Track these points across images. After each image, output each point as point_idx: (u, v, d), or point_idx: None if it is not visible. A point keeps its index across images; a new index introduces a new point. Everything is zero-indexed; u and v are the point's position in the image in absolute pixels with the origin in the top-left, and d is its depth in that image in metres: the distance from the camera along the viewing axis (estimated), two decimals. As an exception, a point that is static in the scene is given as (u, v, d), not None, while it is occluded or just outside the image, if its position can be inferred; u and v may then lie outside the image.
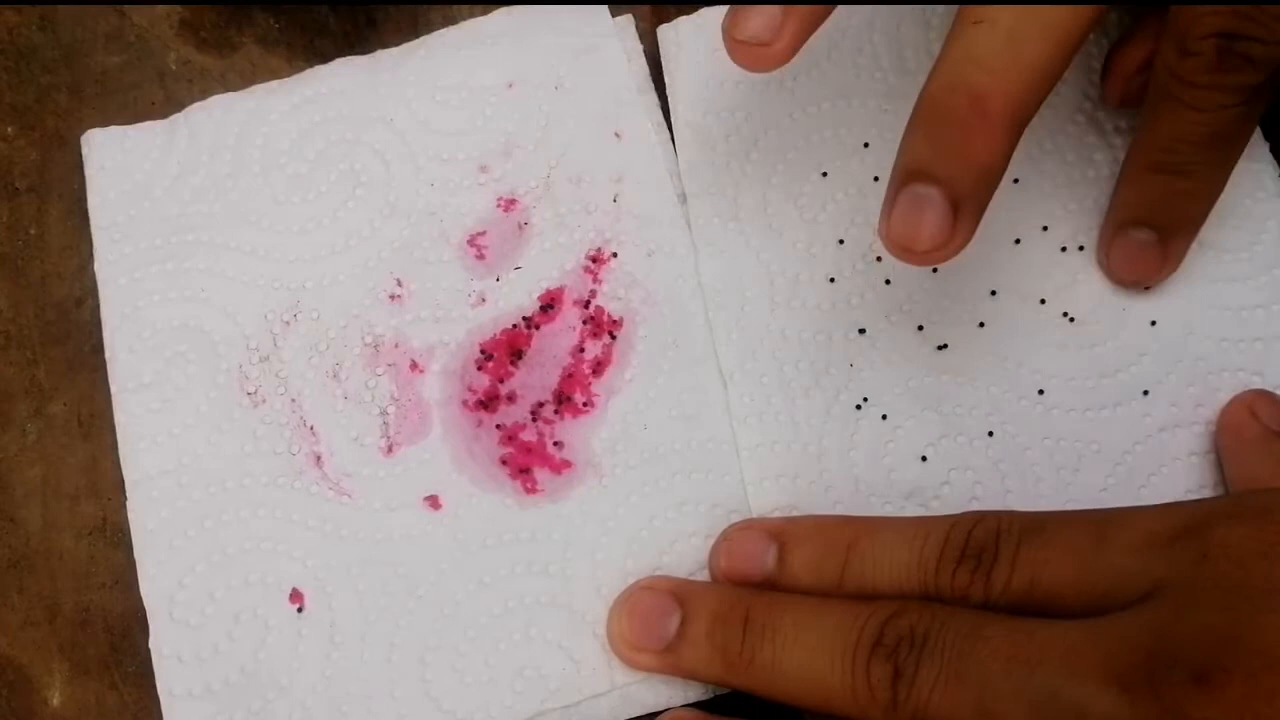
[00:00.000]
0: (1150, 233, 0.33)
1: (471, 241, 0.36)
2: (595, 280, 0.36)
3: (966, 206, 0.26)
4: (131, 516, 0.33)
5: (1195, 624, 0.24)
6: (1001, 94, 0.25)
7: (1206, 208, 0.33)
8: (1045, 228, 0.36)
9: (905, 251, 0.27)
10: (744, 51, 0.28)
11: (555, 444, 0.34)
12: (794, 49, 0.27)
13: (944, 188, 0.26)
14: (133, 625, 0.33)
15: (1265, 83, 0.29)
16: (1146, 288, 0.35)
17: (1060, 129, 0.37)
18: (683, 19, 0.38)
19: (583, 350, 0.35)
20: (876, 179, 0.36)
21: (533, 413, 0.34)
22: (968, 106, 0.25)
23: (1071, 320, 0.35)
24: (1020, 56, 0.25)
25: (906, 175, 0.27)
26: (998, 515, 0.29)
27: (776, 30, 0.27)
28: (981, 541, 0.28)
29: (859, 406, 0.34)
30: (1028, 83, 0.26)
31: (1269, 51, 0.28)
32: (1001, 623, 0.26)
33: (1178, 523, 0.26)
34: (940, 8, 0.38)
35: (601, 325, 0.35)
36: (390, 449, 0.34)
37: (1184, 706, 0.23)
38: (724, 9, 0.37)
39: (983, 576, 0.28)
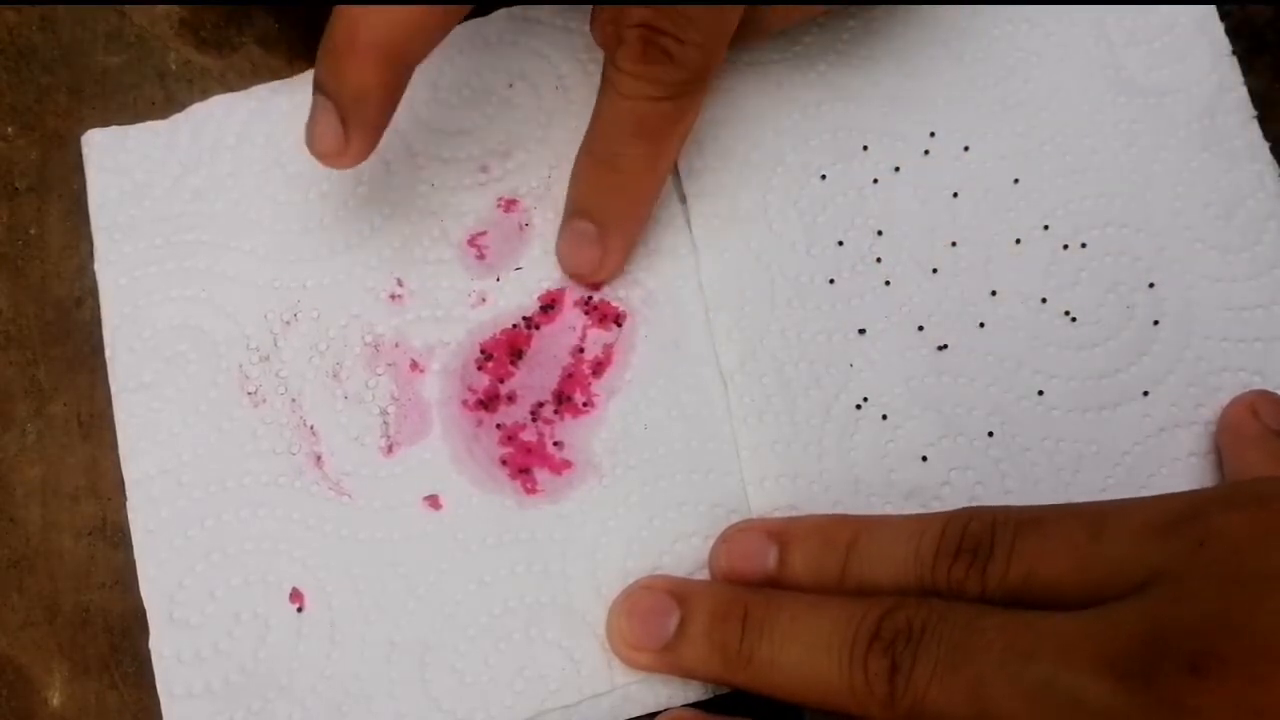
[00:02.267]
0: (589, 224, 0.34)
1: (472, 241, 0.36)
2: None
3: (352, 122, 0.30)
4: (131, 516, 0.33)
5: (1191, 612, 0.24)
6: (368, 30, 0.29)
7: (639, 208, 0.34)
8: (1046, 227, 0.36)
9: (313, 152, 0.31)
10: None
11: (555, 444, 0.34)
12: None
13: (333, 102, 0.30)
14: (133, 625, 0.33)
15: (691, 81, 0.31)
16: (595, 285, 0.35)
17: (1060, 128, 0.37)
18: None
19: (583, 350, 0.35)
20: (876, 181, 0.36)
21: (533, 413, 0.34)
22: (344, 38, 0.29)
23: (1073, 320, 0.35)
24: (389, 11, 0.29)
25: (314, 87, 0.30)
26: (993, 510, 0.29)
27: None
28: (977, 535, 0.28)
29: (859, 406, 0.34)
30: (391, 25, 0.29)
31: (685, 51, 0.30)
32: (998, 615, 0.27)
33: (1173, 512, 0.26)
34: (939, 10, 0.38)
35: (607, 316, 0.35)
36: (390, 449, 0.34)
37: (1180, 695, 0.23)
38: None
39: (979, 570, 0.28)
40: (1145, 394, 0.34)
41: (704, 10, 0.30)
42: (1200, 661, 0.23)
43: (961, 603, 0.28)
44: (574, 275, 0.35)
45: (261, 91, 0.37)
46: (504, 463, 0.34)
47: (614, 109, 0.32)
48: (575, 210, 0.34)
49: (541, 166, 0.37)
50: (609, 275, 0.35)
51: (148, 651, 0.32)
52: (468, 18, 0.38)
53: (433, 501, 0.34)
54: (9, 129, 0.38)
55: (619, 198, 0.33)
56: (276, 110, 0.37)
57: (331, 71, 0.30)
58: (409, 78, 0.31)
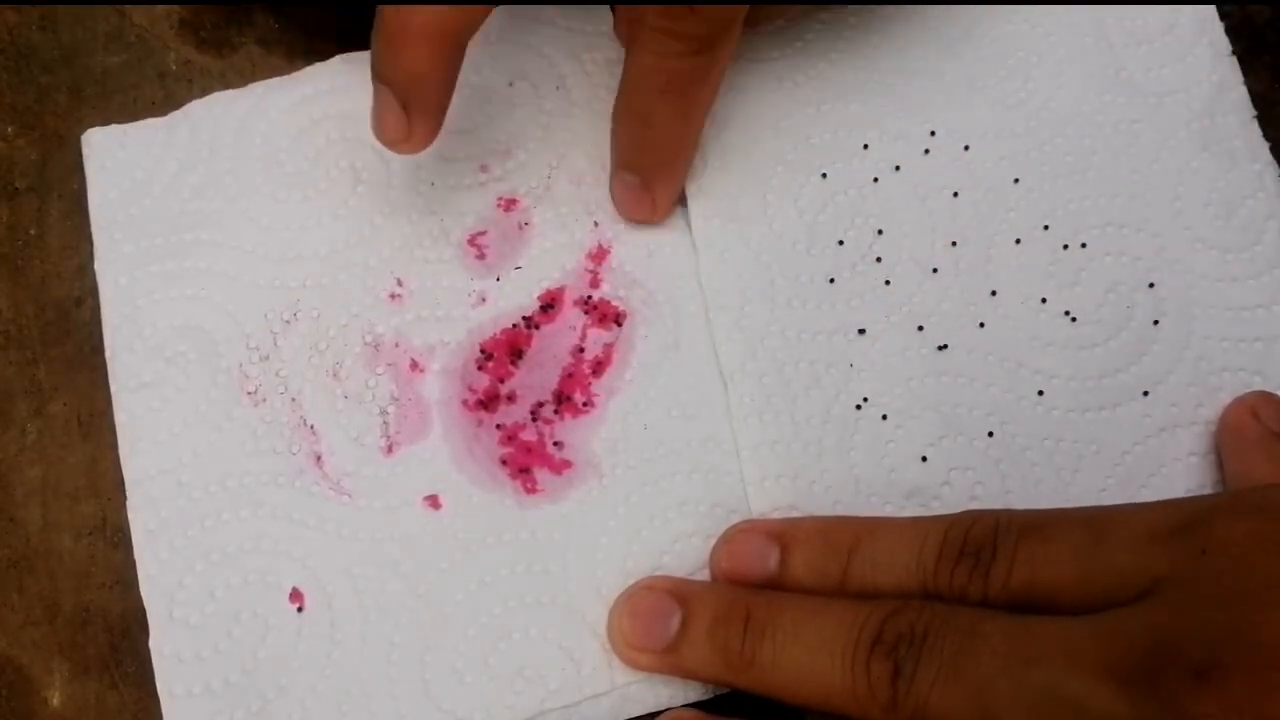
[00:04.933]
0: (634, 177, 0.34)
1: (472, 241, 0.36)
2: (595, 280, 0.36)
3: (413, 106, 0.31)
4: (131, 516, 0.33)
5: (1194, 620, 0.24)
6: (418, 14, 0.30)
7: (676, 160, 0.35)
8: (1046, 227, 0.36)
9: (381, 140, 0.32)
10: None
11: (555, 444, 0.34)
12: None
13: (392, 90, 0.31)
14: (133, 625, 0.33)
15: (714, 35, 0.31)
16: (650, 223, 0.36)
17: (1060, 128, 0.37)
18: None
19: (583, 350, 0.35)
20: (876, 180, 0.36)
21: (533, 413, 0.34)
22: (396, 25, 0.30)
23: (1073, 320, 0.35)
24: None
25: (373, 76, 0.31)
26: (996, 514, 0.29)
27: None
28: (980, 539, 0.28)
29: (859, 406, 0.34)
30: (440, 8, 0.30)
31: (706, 7, 0.30)
32: (1000, 620, 0.27)
33: (1177, 519, 0.26)
34: (939, 10, 0.38)
35: (607, 315, 0.35)
36: (390, 449, 0.34)
37: (1183, 702, 0.23)
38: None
39: (981, 574, 0.28)
40: (1145, 394, 0.34)
41: None
42: (1204, 669, 0.23)
43: (964, 607, 0.28)
44: (631, 220, 0.36)
45: (260, 89, 0.37)
46: (504, 463, 0.34)
47: (641, 67, 0.32)
48: (619, 163, 0.35)
49: (541, 166, 0.37)
50: (663, 217, 0.36)
51: (148, 651, 0.32)
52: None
53: (433, 501, 0.34)
54: (9, 129, 0.38)
55: (656, 152, 0.34)
56: (275, 108, 0.37)
57: (387, 59, 0.30)
58: (462, 56, 0.31)
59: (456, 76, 0.31)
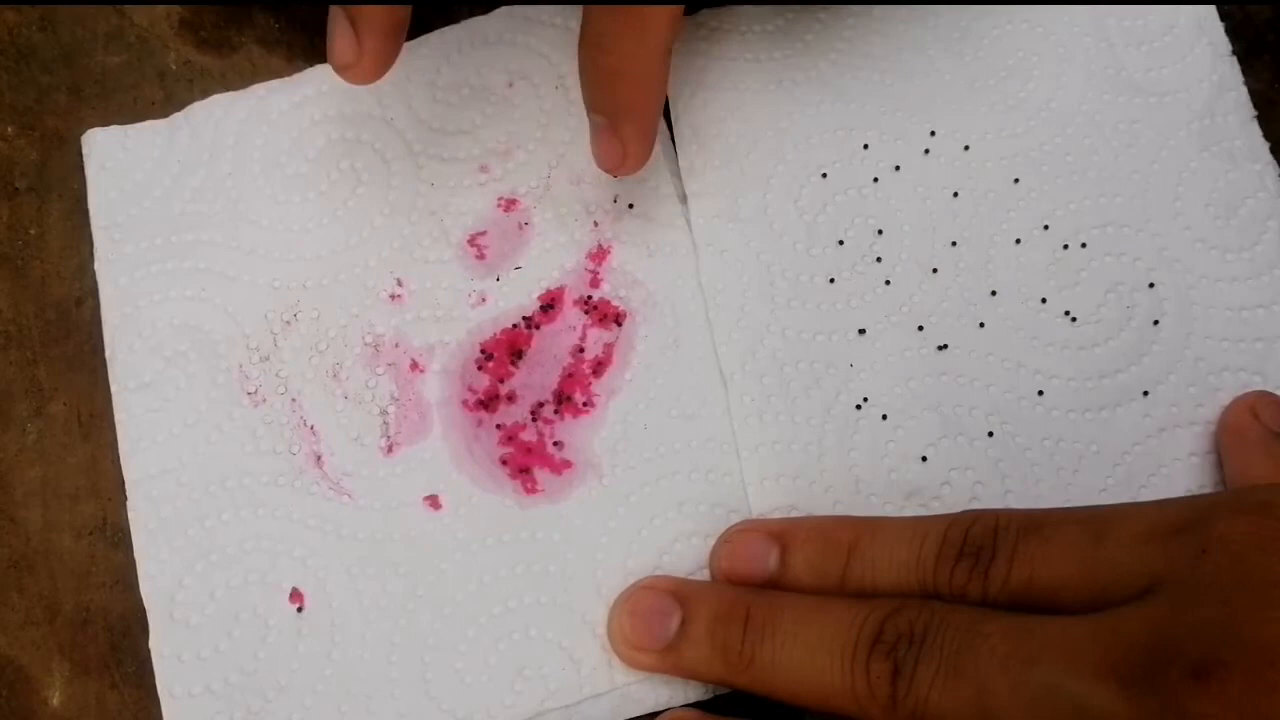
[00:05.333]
0: (601, 118, 0.33)
1: (472, 241, 0.36)
2: (595, 280, 0.36)
3: (361, 28, 0.30)
4: (131, 516, 0.33)
5: (1194, 619, 0.24)
6: None
7: (639, 92, 0.32)
8: (1046, 226, 0.36)
9: (333, 66, 0.31)
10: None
11: (555, 444, 0.34)
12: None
13: (344, 12, 0.30)
14: (133, 625, 0.33)
15: None
16: (619, 176, 0.34)
17: (1060, 128, 0.37)
18: (683, 20, 0.38)
19: (583, 350, 0.35)
20: (877, 180, 0.36)
21: (533, 413, 0.34)
22: None
23: (1073, 320, 0.35)
24: None
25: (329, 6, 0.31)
26: (995, 513, 0.29)
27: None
28: (979, 539, 0.28)
29: (859, 406, 0.34)
30: None
31: None
32: (1000, 619, 0.27)
33: (1177, 518, 0.26)
34: (939, 10, 0.38)
35: (607, 315, 0.35)
36: (390, 449, 0.34)
37: (1183, 701, 0.23)
38: (724, 10, 0.38)
39: (980, 573, 0.28)
40: (1145, 394, 0.34)
41: None
42: (1204, 668, 0.23)
43: (963, 607, 0.28)
44: (608, 171, 0.34)
45: (260, 90, 0.37)
46: (504, 462, 0.34)
47: None
48: (588, 106, 0.33)
49: (541, 166, 0.37)
50: (634, 166, 0.34)
51: (148, 651, 0.32)
52: (470, 15, 0.38)
53: (433, 501, 0.34)
54: (9, 129, 0.38)
55: (618, 83, 0.32)
56: (276, 109, 0.37)
57: None
58: None
59: None
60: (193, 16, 0.39)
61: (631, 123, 0.33)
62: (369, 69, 0.31)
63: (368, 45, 0.30)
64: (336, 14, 0.30)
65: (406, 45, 0.38)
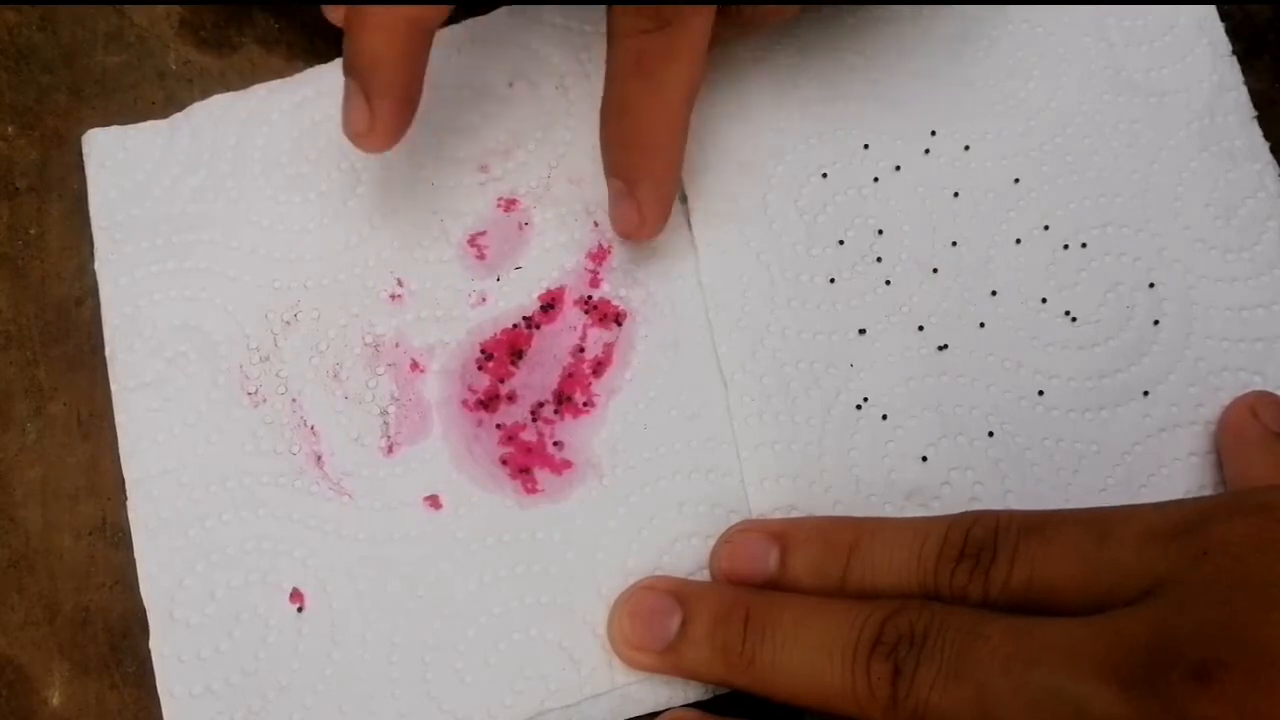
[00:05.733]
0: (618, 181, 0.33)
1: (472, 241, 0.36)
2: (595, 280, 0.36)
3: (372, 93, 0.30)
4: (131, 516, 0.33)
5: (1195, 620, 0.24)
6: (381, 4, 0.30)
7: (658, 157, 0.33)
8: (1046, 227, 0.36)
9: (346, 134, 0.31)
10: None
11: (555, 444, 0.34)
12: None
13: (356, 80, 0.31)
14: (133, 625, 0.33)
15: (682, 8, 0.30)
16: (639, 240, 0.35)
17: (1060, 128, 0.37)
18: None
19: (583, 350, 0.35)
20: (877, 180, 0.36)
21: (533, 413, 0.34)
22: (355, 13, 0.30)
23: (1073, 320, 0.35)
24: None
25: (344, 72, 0.31)
26: (996, 514, 0.29)
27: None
28: (980, 540, 0.28)
29: (859, 406, 0.34)
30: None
31: None
32: (1000, 621, 0.26)
33: (1178, 519, 0.26)
34: (939, 10, 0.38)
35: (607, 315, 0.35)
36: (390, 449, 0.34)
37: (1184, 703, 0.23)
38: (728, 9, 0.38)
39: (981, 575, 0.28)
40: (1145, 394, 0.34)
41: None
42: (1205, 670, 0.23)
43: (964, 608, 0.28)
44: (624, 237, 0.35)
45: (261, 91, 0.37)
46: (504, 462, 0.34)
47: (614, 53, 0.32)
48: (606, 169, 0.34)
49: (541, 166, 0.37)
50: (651, 232, 0.34)
51: (148, 651, 0.32)
52: (470, 15, 0.38)
53: (433, 501, 0.34)
54: (9, 129, 0.38)
55: (636, 148, 0.33)
56: (276, 110, 0.37)
57: (349, 44, 0.30)
58: (427, 43, 0.31)
59: (422, 66, 0.31)
60: (193, 16, 0.39)
61: (649, 188, 0.33)
62: (382, 137, 0.31)
63: (380, 113, 0.31)
64: (350, 84, 0.31)
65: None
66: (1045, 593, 0.27)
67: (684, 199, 0.36)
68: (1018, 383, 0.34)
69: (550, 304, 0.35)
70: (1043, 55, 0.37)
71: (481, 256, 0.36)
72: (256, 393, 0.35)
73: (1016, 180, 0.36)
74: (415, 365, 0.35)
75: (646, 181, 0.33)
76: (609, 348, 0.35)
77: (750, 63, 0.37)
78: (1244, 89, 0.37)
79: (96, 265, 0.36)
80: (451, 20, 0.38)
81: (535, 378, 0.35)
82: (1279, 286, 0.35)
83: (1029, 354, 0.35)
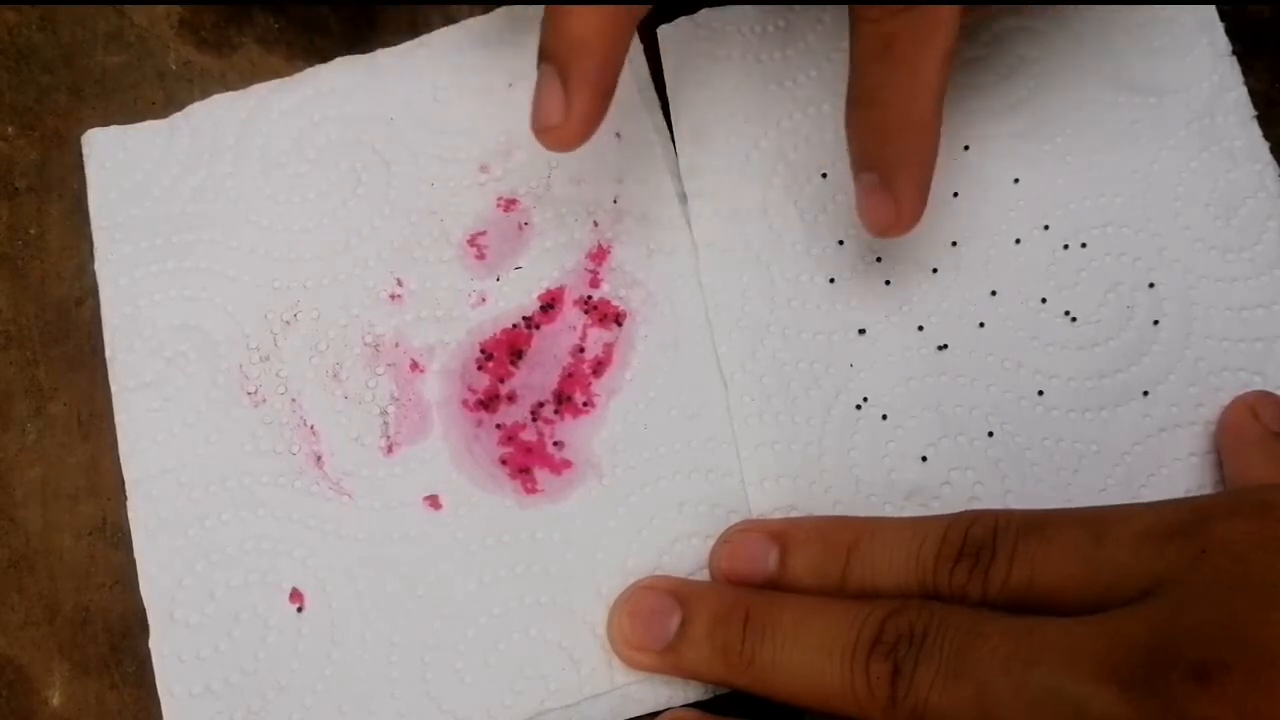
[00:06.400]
0: (872, 175, 0.31)
1: (472, 241, 0.36)
2: (595, 280, 0.36)
3: (572, 80, 0.29)
4: (131, 516, 0.33)
5: (1195, 620, 0.24)
6: None
7: (913, 144, 0.31)
8: (1046, 226, 0.36)
9: (536, 128, 0.30)
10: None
11: (555, 444, 0.34)
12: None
13: (554, 65, 0.29)
14: (133, 625, 0.33)
15: None
16: (892, 236, 0.32)
17: (1060, 128, 0.37)
18: (683, 19, 0.38)
19: (583, 350, 0.35)
20: (877, 179, 0.36)
21: (533, 413, 0.34)
22: None
23: (1073, 320, 0.35)
24: None
25: (538, 58, 0.30)
26: (995, 513, 0.29)
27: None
28: (979, 539, 0.28)
29: (859, 406, 0.34)
30: None
31: None
32: (1000, 620, 0.26)
33: (1177, 519, 0.26)
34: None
35: (607, 315, 0.35)
36: (390, 449, 0.34)
37: (1184, 703, 0.23)
38: (724, 10, 0.38)
39: (980, 574, 0.28)
40: (1145, 394, 0.34)
41: None
42: (1204, 669, 0.23)
43: (963, 607, 0.28)
44: (878, 234, 0.32)
45: (261, 91, 0.37)
46: (504, 462, 0.34)
47: (862, 40, 0.30)
48: (857, 165, 0.31)
49: (541, 166, 0.37)
50: (907, 225, 0.31)
51: (148, 651, 0.32)
52: (467, 17, 0.38)
53: (433, 501, 0.34)
54: (9, 129, 0.38)
55: (891, 138, 0.31)
56: (276, 109, 0.37)
57: (550, 30, 0.29)
58: (632, 32, 0.29)
59: (623, 57, 0.30)
60: (193, 16, 0.39)
61: (908, 176, 0.31)
62: (575, 131, 0.30)
63: (577, 105, 0.29)
64: (546, 71, 0.29)
65: (406, 46, 0.38)
66: (1045, 592, 0.27)
67: (684, 199, 0.36)
68: (1018, 383, 0.34)
69: (550, 304, 0.35)
70: (1043, 55, 0.37)
71: (481, 256, 0.36)
72: (256, 392, 0.35)
73: (1016, 180, 0.36)
74: (415, 365, 0.35)
75: (905, 169, 0.31)
76: (609, 348, 0.35)
77: (750, 63, 0.37)
78: (1244, 89, 0.37)
79: (96, 265, 0.36)
80: (451, 20, 0.38)
81: (535, 378, 0.35)
82: (1279, 286, 0.35)
83: (1029, 354, 0.35)
